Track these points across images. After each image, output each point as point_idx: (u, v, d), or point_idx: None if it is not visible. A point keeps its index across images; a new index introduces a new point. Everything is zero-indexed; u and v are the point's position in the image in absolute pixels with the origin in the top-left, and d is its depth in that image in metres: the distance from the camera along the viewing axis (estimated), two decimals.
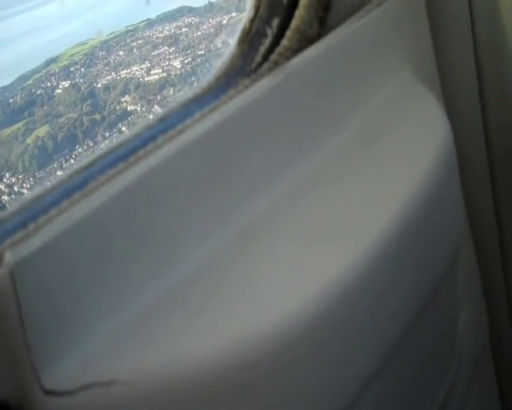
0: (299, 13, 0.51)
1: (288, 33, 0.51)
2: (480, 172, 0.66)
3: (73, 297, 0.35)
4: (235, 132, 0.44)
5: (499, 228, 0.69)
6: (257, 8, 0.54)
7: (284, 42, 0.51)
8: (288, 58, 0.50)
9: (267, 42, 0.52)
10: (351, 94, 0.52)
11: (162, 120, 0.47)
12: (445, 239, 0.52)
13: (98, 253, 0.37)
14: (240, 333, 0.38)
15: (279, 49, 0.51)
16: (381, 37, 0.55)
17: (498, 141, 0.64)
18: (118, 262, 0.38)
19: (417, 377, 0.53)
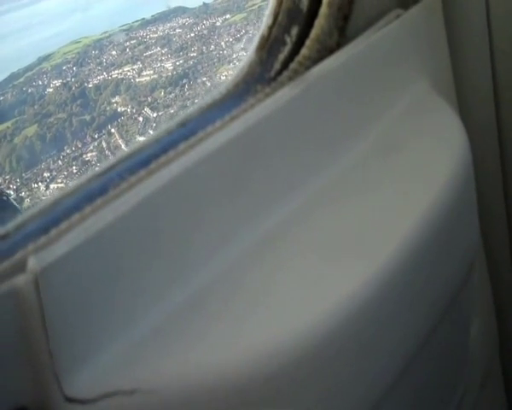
0: (319, 22, 0.51)
1: (308, 42, 0.51)
2: (494, 183, 0.67)
3: (96, 305, 0.35)
4: (256, 142, 0.44)
5: (511, 237, 0.70)
6: (276, 16, 0.54)
7: (304, 51, 0.51)
8: (307, 67, 0.51)
9: (286, 50, 0.52)
10: (369, 105, 0.53)
11: (182, 125, 0.47)
12: (461, 252, 0.52)
13: (120, 261, 0.37)
14: (258, 344, 0.38)
15: (298, 58, 0.51)
16: (399, 48, 0.56)
17: None
18: (139, 270, 0.38)
19: (431, 388, 0.53)
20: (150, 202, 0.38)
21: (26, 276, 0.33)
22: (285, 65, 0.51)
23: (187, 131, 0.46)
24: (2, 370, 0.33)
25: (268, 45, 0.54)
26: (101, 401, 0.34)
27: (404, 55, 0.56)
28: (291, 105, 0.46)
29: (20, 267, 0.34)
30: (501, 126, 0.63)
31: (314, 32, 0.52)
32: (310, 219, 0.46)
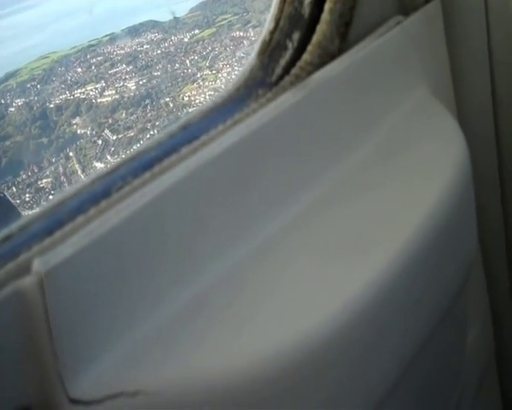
0: (321, 28, 0.52)
1: (310, 48, 0.52)
2: (491, 189, 0.68)
3: (100, 307, 0.36)
4: (258, 147, 0.45)
5: (507, 244, 0.71)
6: (277, 21, 0.55)
7: (305, 56, 0.52)
8: (308, 72, 0.52)
9: (288, 55, 0.53)
10: (369, 110, 0.54)
11: (184, 128, 0.48)
12: (460, 257, 0.53)
13: (124, 263, 0.38)
14: (260, 347, 0.39)
15: (300, 63, 0.52)
16: (399, 54, 0.57)
17: (511, 159, 0.66)
18: (143, 273, 0.38)
19: (430, 390, 0.54)
20: (154, 205, 0.39)
21: (32, 278, 0.34)
22: (286, 70, 0.52)
23: (189, 134, 0.47)
24: (7, 371, 0.33)
25: (269, 50, 0.55)
26: (104, 402, 0.35)
27: (404, 61, 0.57)
28: (293, 110, 0.47)
29: (25, 269, 0.35)
30: (499, 134, 0.64)
31: (316, 38, 0.53)
32: (311, 224, 0.47)
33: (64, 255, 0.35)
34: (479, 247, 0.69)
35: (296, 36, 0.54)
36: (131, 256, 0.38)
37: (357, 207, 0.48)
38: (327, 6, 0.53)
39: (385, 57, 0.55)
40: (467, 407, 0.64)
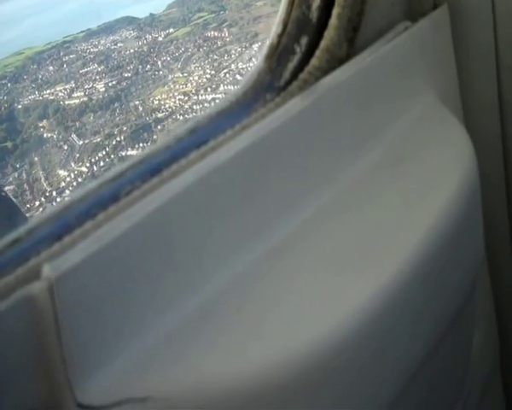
0: (329, 33, 0.53)
1: (318, 53, 0.52)
2: (499, 196, 0.68)
3: (109, 313, 0.36)
4: (266, 153, 0.46)
5: None
6: (285, 24, 0.55)
7: (313, 61, 0.52)
8: (317, 77, 0.52)
9: (296, 59, 0.54)
10: (376, 116, 0.54)
11: (192, 131, 0.48)
12: (466, 265, 0.53)
13: (133, 269, 0.38)
14: (269, 353, 0.39)
15: (308, 68, 0.52)
16: (406, 60, 0.57)
17: None
18: (152, 278, 0.39)
19: (435, 397, 0.55)
20: (164, 210, 0.39)
21: (41, 283, 0.34)
22: (294, 74, 0.53)
23: (197, 138, 0.47)
24: (16, 376, 0.33)
25: (277, 54, 0.55)
26: (113, 408, 0.35)
27: (411, 67, 0.58)
28: (301, 116, 0.47)
29: (34, 274, 0.35)
30: (506, 140, 0.65)
31: (324, 43, 0.53)
32: (319, 230, 0.47)
33: (74, 261, 0.35)
34: (485, 254, 0.69)
35: (304, 40, 0.54)
36: (140, 262, 0.38)
37: (364, 214, 0.49)
38: (335, 11, 0.53)
39: (392, 63, 0.55)
40: None
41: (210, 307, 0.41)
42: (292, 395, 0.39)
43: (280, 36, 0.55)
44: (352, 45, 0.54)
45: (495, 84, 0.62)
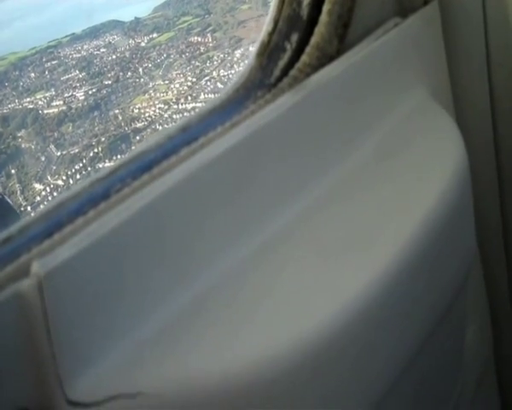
0: (319, 30, 0.53)
1: (308, 50, 0.53)
2: (489, 190, 0.68)
3: (99, 309, 0.36)
4: (257, 148, 0.46)
5: (506, 244, 0.72)
6: (276, 22, 0.55)
7: (304, 58, 0.52)
8: (307, 74, 0.52)
9: (286, 56, 0.54)
10: (367, 112, 0.54)
11: (183, 129, 0.48)
12: (458, 258, 0.53)
13: (122, 265, 0.38)
14: (260, 348, 0.39)
15: (299, 64, 0.52)
16: (397, 56, 0.57)
17: (509, 160, 0.66)
18: (141, 275, 0.39)
19: (428, 389, 0.55)
20: (154, 206, 0.39)
21: (30, 280, 0.34)
22: (285, 71, 0.53)
23: (188, 136, 0.47)
24: (6, 373, 0.34)
25: (268, 51, 0.55)
26: (103, 404, 0.35)
27: (402, 63, 0.58)
28: (292, 112, 0.47)
29: (24, 271, 0.35)
30: (497, 135, 0.65)
31: (314, 40, 0.53)
32: (310, 225, 0.47)
33: (63, 257, 0.35)
34: (477, 248, 0.69)
35: (294, 37, 0.54)
36: (131, 258, 0.38)
37: (355, 208, 0.49)
38: (325, 7, 0.53)
39: (383, 59, 0.55)
40: (466, 407, 0.64)
41: (201, 302, 0.41)
42: (282, 390, 0.39)
43: (271, 34, 0.56)
44: (342, 42, 0.54)
45: (486, 79, 0.62)
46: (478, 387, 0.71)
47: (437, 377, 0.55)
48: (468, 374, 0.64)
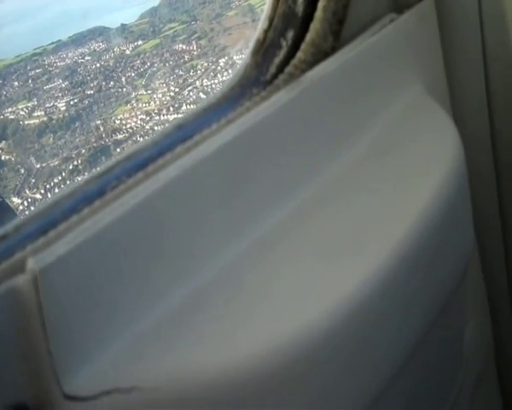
0: (314, 26, 0.53)
1: (303, 46, 0.53)
2: (487, 186, 0.69)
3: (95, 305, 0.37)
4: (252, 145, 0.46)
5: (505, 240, 0.72)
6: (271, 20, 0.56)
7: (299, 54, 0.53)
8: (303, 71, 0.52)
9: (282, 53, 0.54)
10: (363, 108, 0.55)
11: (179, 127, 0.49)
12: (456, 254, 0.54)
13: (118, 261, 0.38)
14: (256, 343, 0.40)
15: (294, 61, 0.53)
16: (393, 52, 0.58)
17: (506, 155, 0.67)
18: (137, 270, 0.39)
19: (426, 387, 0.55)
20: (148, 203, 0.40)
21: (25, 276, 0.34)
22: (281, 68, 0.53)
23: (183, 133, 0.48)
24: (2, 368, 0.34)
25: (263, 49, 0.56)
26: (100, 398, 0.36)
27: (398, 59, 0.58)
28: (287, 108, 0.48)
29: (20, 268, 0.35)
30: (494, 130, 0.65)
31: (309, 36, 0.53)
32: (306, 221, 0.48)
33: (58, 254, 0.35)
34: (476, 243, 0.69)
35: (290, 34, 0.55)
36: (126, 254, 0.39)
37: (351, 204, 0.49)
38: (320, 4, 0.54)
39: (378, 55, 0.56)
40: (465, 404, 0.65)
41: (198, 297, 0.41)
42: (279, 384, 0.40)
43: (266, 31, 0.56)
44: (337, 38, 0.54)
45: (482, 74, 0.63)
46: (478, 384, 0.71)
47: (435, 374, 0.56)
48: (467, 371, 0.65)
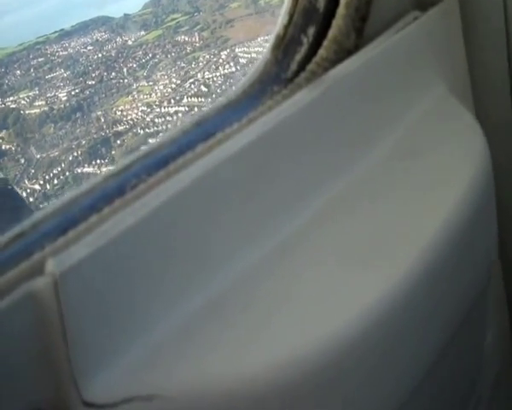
0: (337, 23, 0.52)
1: (326, 43, 0.52)
2: (511, 186, 0.67)
3: (114, 310, 0.36)
4: (274, 145, 0.45)
5: None
6: (291, 15, 0.55)
7: (321, 52, 0.52)
8: (325, 68, 0.51)
9: (303, 50, 0.53)
10: (386, 108, 0.54)
11: (198, 124, 0.47)
12: (480, 260, 0.53)
13: (136, 266, 0.37)
14: (275, 353, 0.39)
15: (316, 58, 0.52)
16: (416, 50, 0.57)
17: None
18: (157, 275, 0.38)
19: (447, 396, 0.54)
20: (170, 204, 0.39)
21: (45, 279, 0.33)
22: (302, 65, 0.52)
23: (203, 131, 0.46)
24: (20, 373, 0.33)
25: (284, 45, 0.54)
26: (118, 406, 0.35)
27: (421, 57, 0.57)
28: (310, 107, 0.47)
29: (38, 269, 0.34)
30: None
31: (331, 33, 0.52)
32: (327, 226, 0.47)
33: (79, 256, 0.34)
34: (498, 251, 0.68)
35: (311, 31, 0.54)
36: (146, 257, 0.38)
37: (374, 208, 0.48)
38: (343, 0, 0.52)
39: (402, 54, 0.55)
40: (484, 407, 0.64)
41: (216, 304, 0.40)
42: (297, 395, 0.39)
43: (286, 27, 0.55)
44: (360, 35, 0.53)
45: (506, 73, 0.62)
46: (496, 390, 0.70)
47: (455, 383, 0.55)
48: (486, 378, 0.64)
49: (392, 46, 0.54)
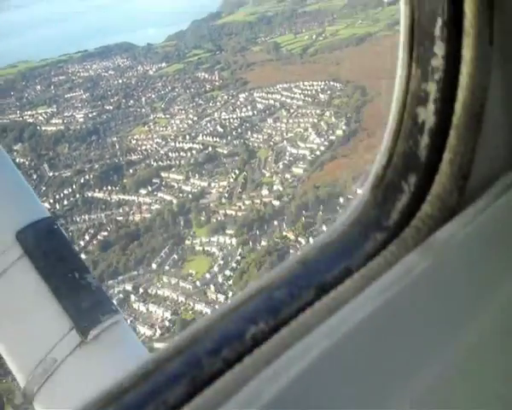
0: (440, 180, 0.53)
1: (429, 198, 0.53)
2: None
3: None
4: (391, 316, 0.46)
5: None
6: (390, 156, 0.56)
7: (425, 208, 0.53)
8: (429, 227, 0.52)
9: (404, 198, 0.54)
10: (489, 275, 0.54)
11: (302, 263, 0.48)
12: None
13: None
14: None
15: (420, 214, 0.53)
16: None
17: None
18: None
19: None
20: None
21: None
22: (405, 216, 0.53)
23: (309, 275, 0.47)
24: None
25: (383, 186, 0.55)
26: None
27: None
28: (423, 277, 0.48)
29: None
30: None
31: (435, 190, 0.54)
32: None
33: None
34: None
35: (412, 179, 0.55)
36: None
37: (476, 396, 0.49)
38: (446, 156, 0.54)
39: (506, 218, 0.56)
40: None
41: None
42: None
43: (385, 168, 0.56)
44: (462, 194, 0.54)
45: None
46: None
47: None
48: None
49: (496, 211, 0.55)
